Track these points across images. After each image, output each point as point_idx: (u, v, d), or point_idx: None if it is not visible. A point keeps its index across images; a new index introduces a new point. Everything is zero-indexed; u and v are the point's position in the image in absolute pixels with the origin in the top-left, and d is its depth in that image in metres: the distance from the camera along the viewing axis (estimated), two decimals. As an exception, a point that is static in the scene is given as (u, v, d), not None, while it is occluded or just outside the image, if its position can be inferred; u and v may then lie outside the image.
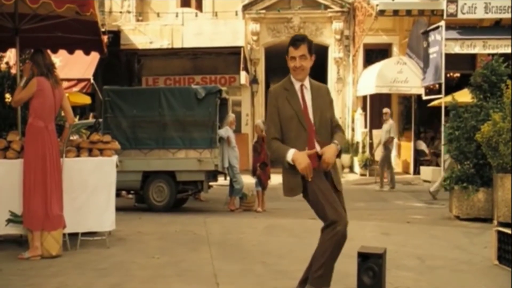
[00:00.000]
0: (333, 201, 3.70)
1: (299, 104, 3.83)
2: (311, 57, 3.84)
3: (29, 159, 5.40)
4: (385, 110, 14.04)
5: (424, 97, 16.01)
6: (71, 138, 6.35)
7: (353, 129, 18.35)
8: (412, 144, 17.08)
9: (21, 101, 5.67)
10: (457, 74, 17.43)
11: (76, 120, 12.52)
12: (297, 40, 3.82)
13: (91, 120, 12.42)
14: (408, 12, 16.20)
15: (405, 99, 17.78)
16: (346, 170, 17.99)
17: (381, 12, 15.77)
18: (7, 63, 8.33)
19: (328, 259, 3.67)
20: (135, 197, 10.54)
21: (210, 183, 10.26)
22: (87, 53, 7.58)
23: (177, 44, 17.31)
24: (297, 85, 3.86)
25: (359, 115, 17.78)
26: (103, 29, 7.67)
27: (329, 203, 3.68)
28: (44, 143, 5.42)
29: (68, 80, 13.69)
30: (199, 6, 18.76)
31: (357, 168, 17.38)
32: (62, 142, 5.71)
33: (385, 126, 13.63)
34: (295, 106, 3.81)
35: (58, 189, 5.52)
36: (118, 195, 8.73)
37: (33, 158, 5.38)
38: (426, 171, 15.63)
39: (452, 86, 14.99)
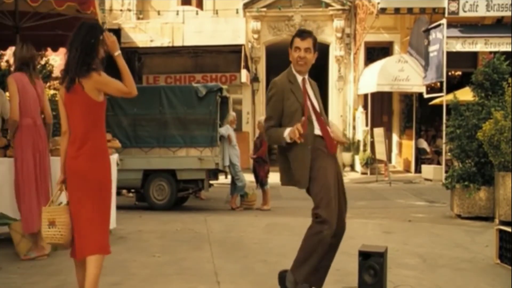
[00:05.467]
0: (333, 198, 3.68)
1: (303, 97, 3.80)
2: (314, 53, 3.85)
3: (20, 160, 5.25)
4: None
5: (426, 95, 16.00)
6: None
7: (354, 127, 18.34)
8: (413, 142, 17.07)
9: (17, 111, 5.23)
10: (459, 72, 17.42)
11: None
12: (304, 32, 3.86)
13: None
14: (410, 10, 16.20)
15: (407, 97, 17.78)
16: (348, 168, 17.99)
17: (382, 10, 15.77)
18: (7, 61, 8.33)
19: (310, 257, 3.69)
20: (136, 195, 10.53)
21: (211, 182, 10.26)
22: (87, 51, 7.56)
23: (178, 42, 17.30)
24: (299, 79, 3.85)
25: (360, 114, 17.77)
26: (103, 27, 7.66)
27: (329, 197, 3.65)
28: (33, 141, 5.27)
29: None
30: (199, 4, 18.76)
31: (358, 167, 17.38)
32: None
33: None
34: (300, 99, 3.79)
35: (46, 185, 5.38)
36: (118, 193, 8.75)
37: (25, 159, 5.24)
38: (428, 170, 15.63)
39: (453, 84, 14.98)
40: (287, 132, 3.61)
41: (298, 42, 3.79)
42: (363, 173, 16.82)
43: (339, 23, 18.16)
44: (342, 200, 3.86)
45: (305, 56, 3.79)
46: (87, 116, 3.45)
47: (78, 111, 3.44)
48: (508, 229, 5.18)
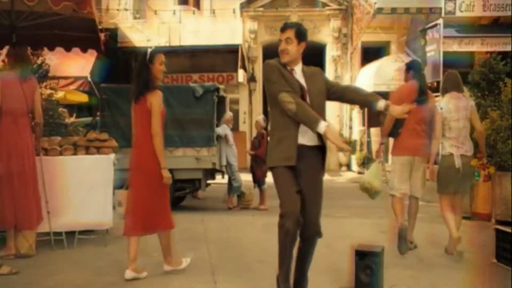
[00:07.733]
0: (292, 192, 3.63)
1: (295, 84, 3.76)
2: (299, 43, 3.81)
3: None
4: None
5: (422, 95, 15.99)
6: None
7: (350, 127, 18.36)
8: (410, 142, 17.05)
9: None
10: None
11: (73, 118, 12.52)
12: (285, 24, 3.91)
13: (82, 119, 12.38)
14: (406, 10, 16.20)
15: (403, 97, 17.76)
16: (344, 168, 18.02)
17: (379, 10, 15.77)
18: (3, 60, 8.29)
19: (280, 255, 3.65)
20: (133, 195, 10.49)
21: (208, 181, 10.24)
22: (84, 50, 7.56)
23: (175, 42, 17.29)
24: (288, 68, 3.84)
25: (356, 113, 17.78)
26: (100, 27, 7.65)
27: (287, 192, 3.64)
28: (11, 140, 5.24)
29: (65, 78, 13.66)
30: (197, 4, 18.74)
31: (354, 166, 17.40)
32: (37, 141, 5.54)
33: None
34: (292, 85, 3.74)
35: (29, 187, 5.34)
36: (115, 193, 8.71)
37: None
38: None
39: (450, 84, 14.96)
40: (323, 127, 3.50)
41: (280, 35, 3.88)
42: (359, 173, 16.84)
43: (336, 23, 18.18)
44: (313, 203, 3.75)
45: (286, 48, 3.79)
46: (145, 122, 4.60)
47: (139, 118, 4.65)
48: (505, 228, 5.19)
